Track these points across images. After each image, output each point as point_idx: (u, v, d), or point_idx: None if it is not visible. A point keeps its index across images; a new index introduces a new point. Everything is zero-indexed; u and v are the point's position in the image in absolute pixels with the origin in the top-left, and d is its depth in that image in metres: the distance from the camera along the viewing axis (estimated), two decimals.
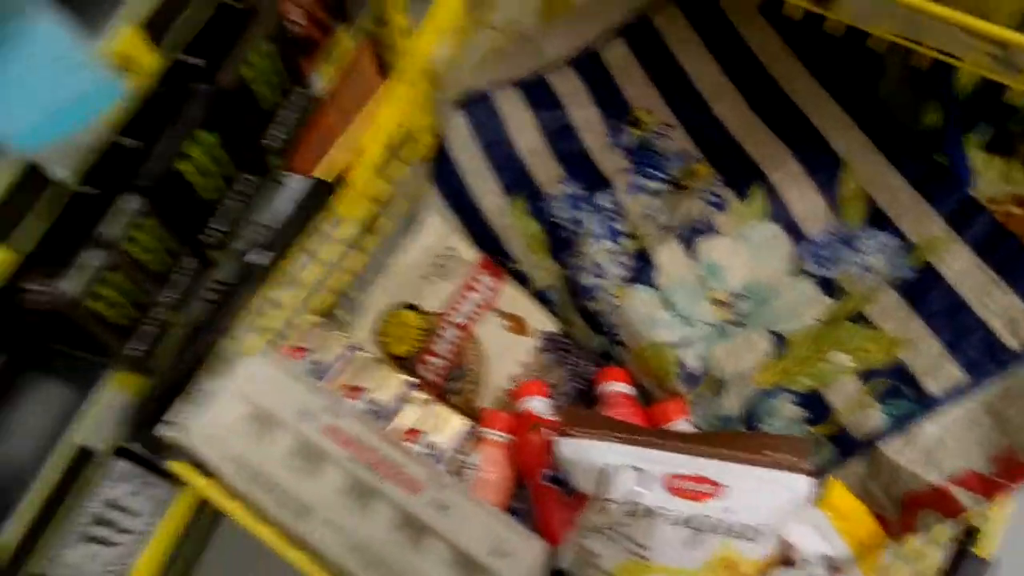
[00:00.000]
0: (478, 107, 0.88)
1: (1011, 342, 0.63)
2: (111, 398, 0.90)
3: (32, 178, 0.68)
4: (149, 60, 0.76)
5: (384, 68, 1.48)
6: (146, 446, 0.63)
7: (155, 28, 0.76)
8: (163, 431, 0.66)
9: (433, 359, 0.81)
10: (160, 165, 0.81)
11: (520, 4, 0.91)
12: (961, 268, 0.68)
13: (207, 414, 0.66)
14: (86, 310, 0.76)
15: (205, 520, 1.19)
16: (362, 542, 0.63)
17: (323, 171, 1.28)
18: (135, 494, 1.05)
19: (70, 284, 0.74)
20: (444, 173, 0.88)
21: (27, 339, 0.87)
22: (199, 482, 0.62)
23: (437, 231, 0.87)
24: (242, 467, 0.64)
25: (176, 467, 0.63)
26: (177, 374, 0.68)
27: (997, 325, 0.64)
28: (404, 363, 0.82)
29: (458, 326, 0.82)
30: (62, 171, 0.70)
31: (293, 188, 1.09)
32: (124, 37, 0.73)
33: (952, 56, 0.59)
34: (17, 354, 0.90)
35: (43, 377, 0.92)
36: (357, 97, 1.37)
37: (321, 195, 0.83)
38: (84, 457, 0.89)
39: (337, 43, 1.18)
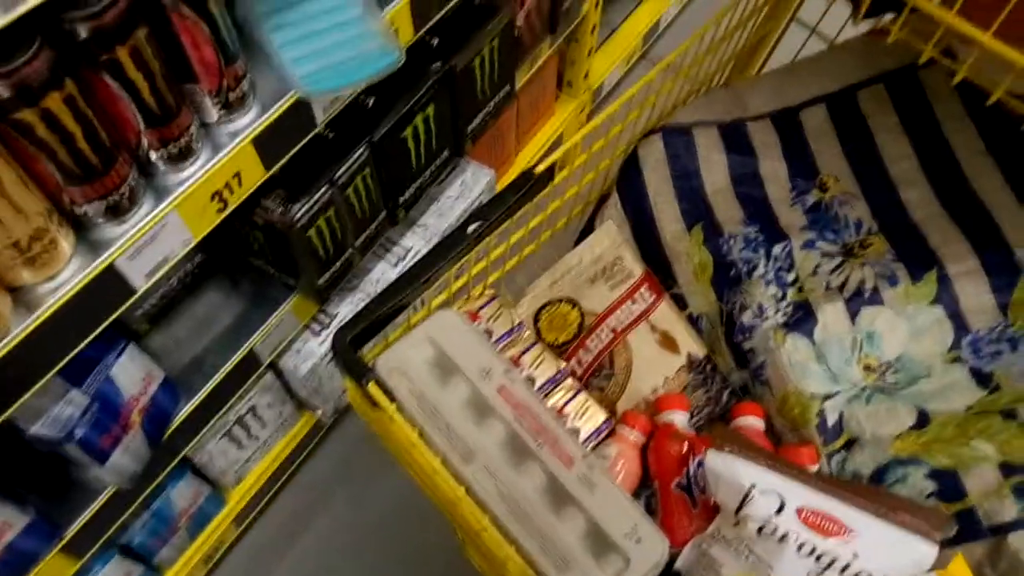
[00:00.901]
0: (678, 138, 0.94)
1: None
2: (287, 317, 1.00)
3: (297, 114, 0.78)
4: (408, 34, 0.86)
5: (561, 82, 1.57)
6: (347, 367, 0.71)
7: (418, 6, 0.86)
8: (363, 356, 0.74)
9: (584, 354, 0.88)
10: (390, 126, 0.90)
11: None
12: None
13: (401, 349, 0.74)
14: (304, 236, 0.86)
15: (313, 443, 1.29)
16: (511, 494, 0.69)
17: (493, 163, 1.37)
18: (270, 406, 1.15)
19: (301, 210, 0.84)
20: (631, 188, 0.94)
21: (230, 247, 0.98)
22: (388, 406, 0.70)
23: (611, 239, 0.94)
24: (423, 403, 0.72)
25: (372, 389, 0.71)
26: (381, 309, 0.77)
27: None
28: (555, 350, 0.89)
29: (613, 330, 0.88)
30: (321, 115, 0.80)
31: (473, 174, 1.18)
32: (398, 9, 0.83)
33: None
34: (215, 257, 1.01)
35: (231, 284, 1.03)
36: (535, 101, 1.46)
37: (523, 182, 0.91)
38: (251, 362, 0.99)
39: (540, 50, 1.27)
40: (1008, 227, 0.82)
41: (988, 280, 0.80)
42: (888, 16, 0.74)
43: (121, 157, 0.61)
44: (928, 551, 0.65)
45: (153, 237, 0.66)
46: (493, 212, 0.79)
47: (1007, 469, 0.71)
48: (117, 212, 0.64)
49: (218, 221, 0.73)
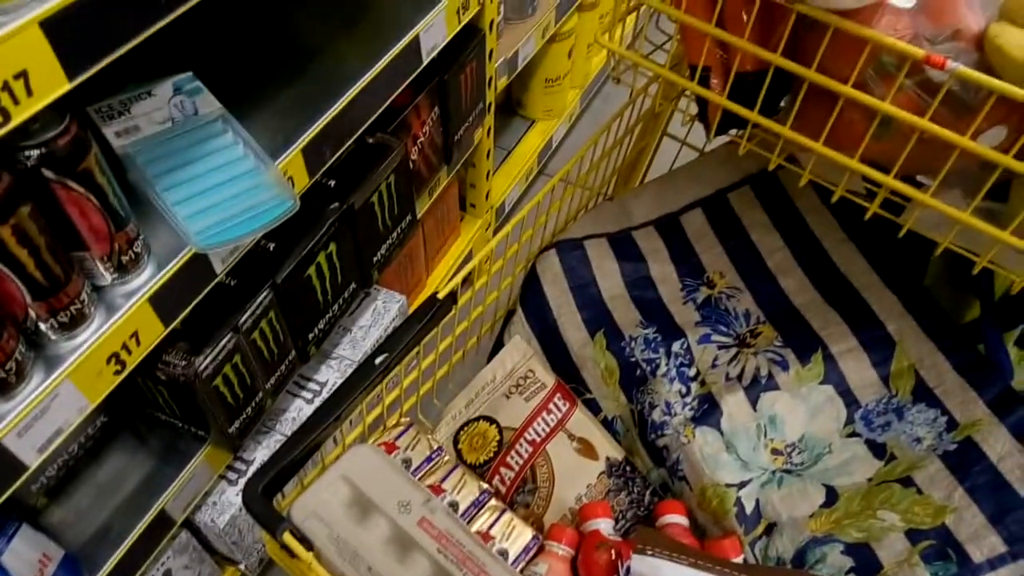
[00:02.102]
0: (571, 251, 1.00)
1: None
2: (199, 469, 0.97)
3: (194, 268, 0.79)
4: (303, 181, 0.90)
5: (462, 204, 1.64)
6: (259, 519, 0.69)
7: (311, 154, 0.90)
8: (275, 506, 0.72)
9: (506, 471, 0.88)
10: (292, 268, 0.92)
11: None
12: (1002, 450, 0.75)
13: (317, 492, 0.73)
14: (209, 387, 0.85)
15: None
16: None
17: (404, 288, 1.40)
18: (188, 568, 1.09)
19: (205, 361, 0.83)
20: (533, 302, 0.98)
21: (135, 404, 0.95)
22: (306, 556, 0.68)
23: (520, 353, 0.96)
24: (343, 548, 0.70)
25: (287, 539, 0.69)
26: (292, 454, 0.76)
27: None
28: (477, 471, 0.89)
29: (532, 443, 0.90)
30: (220, 265, 0.82)
31: (384, 302, 1.20)
32: (291, 159, 0.87)
33: (1007, 270, 0.70)
34: (119, 416, 0.98)
35: (137, 442, 0.99)
36: (439, 226, 1.52)
37: (428, 308, 0.93)
38: (163, 523, 0.95)
39: (438, 179, 1.33)
40: (877, 305, 0.90)
41: (868, 356, 0.87)
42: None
43: (6, 333, 0.60)
44: None
45: (44, 410, 0.64)
46: (400, 341, 0.81)
47: (913, 536, 0.74)
48: (3, 389, 0.62)
49: (117, 383, 0.72)
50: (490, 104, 1.43)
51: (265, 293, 0.88)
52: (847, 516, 0.78)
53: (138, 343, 0.72)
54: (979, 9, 0.64)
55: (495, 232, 1.78)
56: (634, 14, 0.87)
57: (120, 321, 0.70)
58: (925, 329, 0.86)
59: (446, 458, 0.87)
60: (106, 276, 0.71)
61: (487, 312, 1.02)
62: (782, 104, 0.77)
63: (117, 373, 0.71)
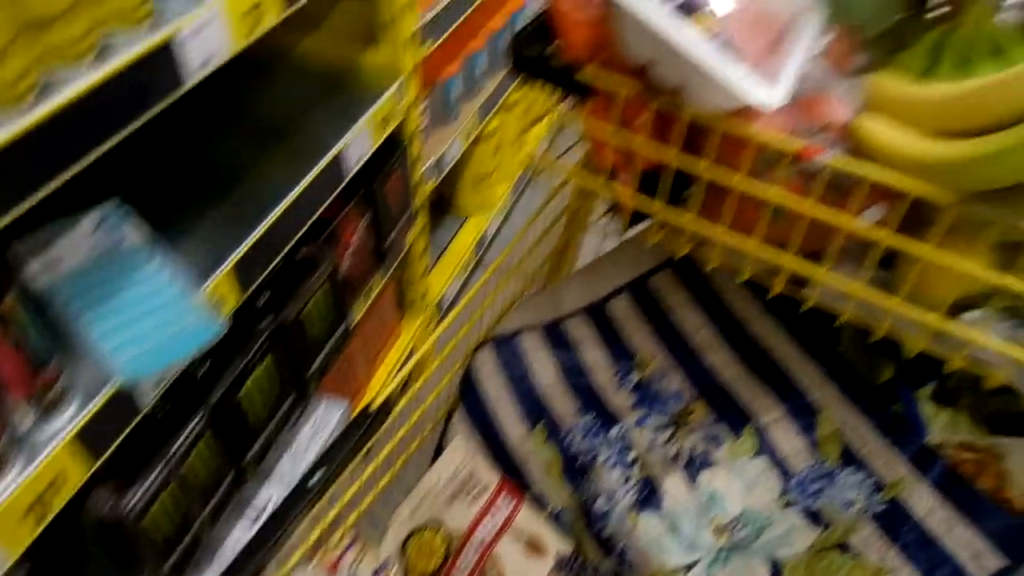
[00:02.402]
0: (505, 346, 1.02)
1: (978, 573, 0.72)
2: None
3: (121, 401, 0.78)
4: (233, 301, 0.90)
5: (400, 304, 1.66)
6: None
7: (241, 272, 0.92)
8: None
9: None
10: (224, 390, 0.91)
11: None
12: (925, 506, 0.78)
13: None
14: (138, 526, 0.82)
15: None
16: None
17: (346, 394, 1.39)
18: None
19: (134, 499, 0.81)
20: (470, 403, 0.99)
21: (62, 550, 0.91)
22: None
23: (462, 453, 0.96)
24: None
25: None
26: None
27: (964, 557, 0.74)
28: None
29: (479, 546, 0.89)
30: (149, 395, 0.81)
31: (325, 412, 1.19)
32: (221, 279, 0.88)
33: (902, 335, 0.75)
34: (45, 565, 0.93)
35: None
36: (377, 328, 1.53)
37: (362, 421, 0.93)
38: None
39: (373, 283, 1.35)
40: (799, 375, 0.93)
41: (795, 424, 0.90)
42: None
43: None
44: None
45: None
46: (336, 457, 0.80)
47: None
48: None
49: (39, 531, 0.69)
50: (420, 206, 1.47)
51: (197, 418, 0.87)
52: None
53: (62, 486, 0.70)
54: (848, 102, 0.71)
55: (435, 327, 1.80)
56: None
57: (42, 466, 0.68)
58: (845, 394, 0.90)
59: (394, 570, 0.85)
60: (27, 420, 0.69)
61: (428, 412, 1.02)
62: (686, 195, 0.83)
63: (40, 520, 0.69)
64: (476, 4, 1.51)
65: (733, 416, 0.92)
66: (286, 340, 1.00)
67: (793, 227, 0.72)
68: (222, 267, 0.86)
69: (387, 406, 0.84)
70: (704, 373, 0.98)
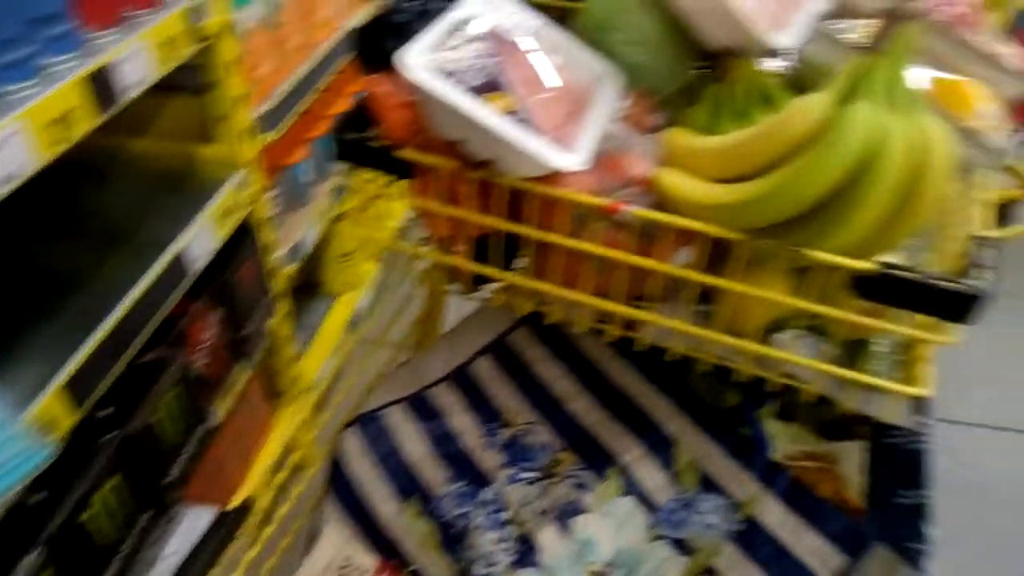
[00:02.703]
0: (371, 424, 1.01)
1: (824, 574, 0.78)
2: None
3: None
4: (68, 420, 0.85)
5: (271, 394, 1.61)
6: None
7: (76, 388, 0.87)
8: None
9: None
10: (65, 517, 0.85)
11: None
12: (776, 519, 0.84)
13: None
14: None
15: None
16: None
17: (218, 497, 1.32)
18: None
19: None
20: (340, 487, 0.97)
21: None
22: None
23: (335, 542, 0.94)
24: None
25: None
26: None
27: (812, 562, 0.79)
28: None
29: None
30: None
31: (193, 520, 1.13)
32: (53, 397, 0.83)
33: (728, 362, 0.81)
34: None
35: None
36: (246, 423, 1.47)
37: (225, 525, 0.89)
38: None
39: (235, 377, 1.31)
40: (653, 411, 0.98)
41: (655, 459, 0.94)
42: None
43: None
44: None
45: None
46: (194, 566, 0.76)
47: None
48: None
49: None
50: (280, 293, 1.45)
51: (35, 553, 0.80)
52: None
53: None
54: (647, 158, 0.77)
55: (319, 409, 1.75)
56: None
57: None
58: (696, 423, 0.96)
59: None
60: None
61: (298, 506, 0.99)
62: (518, 256, 0.87)
63: None
64: (317, 91, 1.54)
65: (597, 460, 0.95)
66: (136, 452, 0.94)
67: (615, 276, 0.77)
68: (51, 385, 0.82)
69: (246, 508, 0.81)
70: (568, 422, 1.02)
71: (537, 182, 0.73)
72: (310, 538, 1.00)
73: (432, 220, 0.82)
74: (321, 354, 1.81)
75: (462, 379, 1.08)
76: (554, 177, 0.73)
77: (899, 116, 0.59)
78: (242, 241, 1.25)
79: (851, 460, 0.90)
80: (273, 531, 0.92)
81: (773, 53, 0.78)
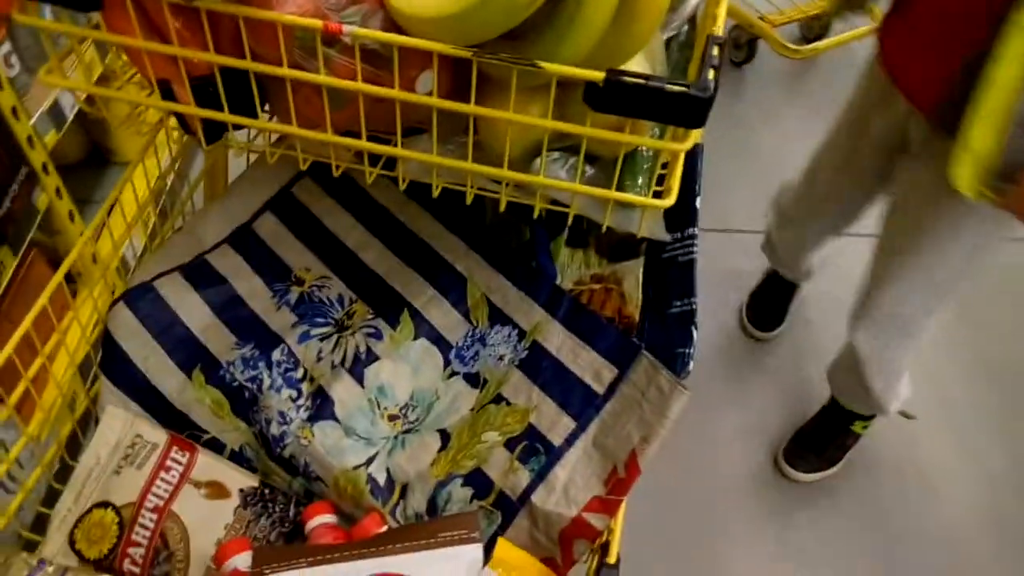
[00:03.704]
0: (143, 298, 0.93)
1: (598, 388, 0.81)
2: None
3: None
4: None
5: (69, 278, 1.46)
6: None
7: None
8: None
9: (134, 550, 0.81)
10: None
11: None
12: (558, 341, 0.86)
13: None
14: None
15: None
16: None
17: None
18: None
19: None
20: (115, 368, 0.91)
21: None
22: None
23: (120, 422, 0.89)
24: None
25: None
26: None
27: (588, 378, 0.82)
28: (103, 564, 0.81)
29: (155, 509, 0.83)
30: None
31: None
32: None
33: (491, 192, 0.78)
34: None
35: None
36: (34, 312, 1.34)
37: None
38: None
39: (3, 266, 1.17)
40: (444, 251, 0.96)
41: (447, 299, 0.93)
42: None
43: None
44: (474, 553, 0.71)
45: None
46: None
47: (511, 444, 0.82)
48: None
49: None
50: (44, 164, 1.28)
51: None
52: (460, 450, 0.84)
53: None
54: None
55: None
56: None
57: None
58: (487, 260, 0.94)
59: (53, 567, 0.78)
60: None
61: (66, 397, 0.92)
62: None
63: None
64: None
65: (390, 307, 0.93)
66: None
67: (359, 109, 0.70)
68: None
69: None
70: (362, 272, 0.98)
71: (244, 5, 0.63)
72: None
73: (138, 60, 0.71)
74: (123, 226, 1.66)
75: (245, 240, 1.01)
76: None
77: None
78: None
79: (633, 278, 0.92)
80: (41, 421, 0.86)
81: None
